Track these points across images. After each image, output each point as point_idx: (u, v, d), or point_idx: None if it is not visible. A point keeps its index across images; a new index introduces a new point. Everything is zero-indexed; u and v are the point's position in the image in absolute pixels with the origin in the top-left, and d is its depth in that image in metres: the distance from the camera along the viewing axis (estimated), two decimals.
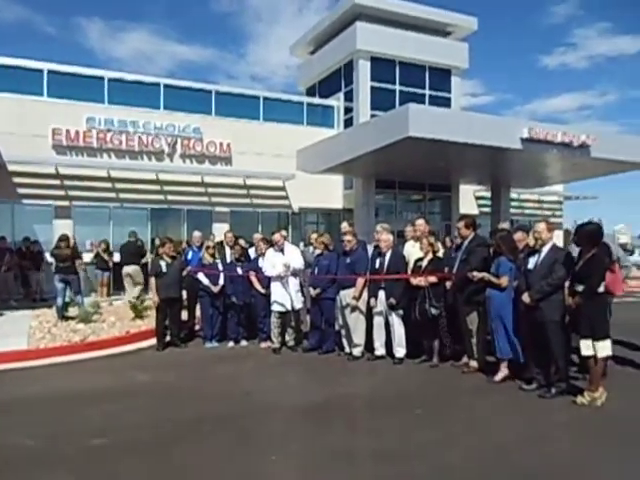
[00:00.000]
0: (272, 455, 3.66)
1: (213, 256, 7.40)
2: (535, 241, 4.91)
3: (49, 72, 13.88)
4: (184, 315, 8.06)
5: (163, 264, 7.18)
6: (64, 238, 9.03)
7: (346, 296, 6.43)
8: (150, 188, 14.59)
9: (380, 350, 6.36)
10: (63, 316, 8.69)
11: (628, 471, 3.45)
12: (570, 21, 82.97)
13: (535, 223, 5.03)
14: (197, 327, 8.16)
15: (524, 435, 4.02)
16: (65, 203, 13.72)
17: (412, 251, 6.39)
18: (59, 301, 8.75)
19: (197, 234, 8.58)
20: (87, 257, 12.14)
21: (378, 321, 6.34)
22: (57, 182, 13.65)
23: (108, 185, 14.16)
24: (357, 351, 6.47)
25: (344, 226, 7.14)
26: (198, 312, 7.84)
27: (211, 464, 3.54)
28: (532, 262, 4.85)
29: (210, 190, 15.35)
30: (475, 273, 5.31)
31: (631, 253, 29.79)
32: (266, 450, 3.75)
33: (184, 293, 8.33)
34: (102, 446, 3.82)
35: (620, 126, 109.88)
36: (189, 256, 8.13)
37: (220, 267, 7.38)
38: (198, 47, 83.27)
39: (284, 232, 7.69)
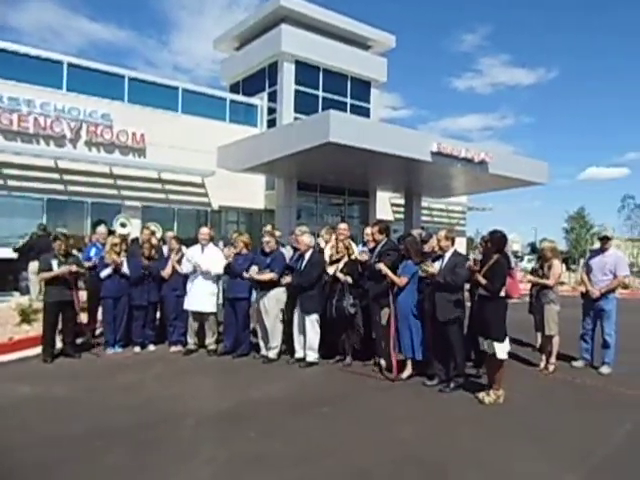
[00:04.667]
0: (176, 468, 3.41)
1: (119, 254, 6.81)
2: (438, 247, 5.36)
3: None
4: (84, 318, 7.40)
5: (55, 262, 6.41)
6: None
7: (265, 298, 6.33)
8: (47, 176, 13.15)
9: (300, 352, 6.30)
10: None
11: (516, 457, 3.68)
12: (477, 49, 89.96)
13: (439, 231, 5.48)
14: (98, 331, 7.49)
15: (423, 429, 4.22)
16: None
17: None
18: None
19: (102, 229, 7.87)
20: None
21: (298, 323, 6.27)
22: None
23: None
24: (273, 354, 6.39)
25: (268, 228, 7.24)
26: (100, 315, 7.19)
27: None
28: (437, 266, 5.23)
29: (120, 182, 14.30)
30: (381, 265, 5.54)
31: (521, 259, 33.07)
32: (166, 463, 3.49)
33: (84, 294, 7.70)
34: None
35: (515, 147, 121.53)
36: (92, 253, 7.45)
37: (125, 266, 6.81)
38: (113, 27, 78.78)
39: (211, 231, 7.26)
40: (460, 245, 22.81)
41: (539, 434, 4.14)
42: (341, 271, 5.95)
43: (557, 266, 6.04)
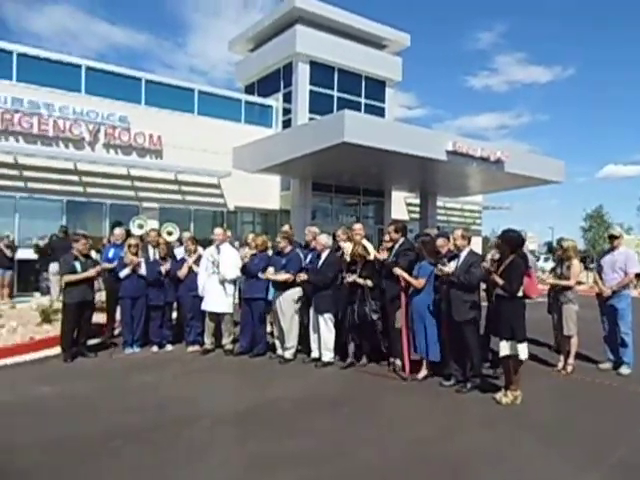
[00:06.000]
0: (191, 467, 3.44)
1: (136, 254, 6.92)
2: (454, 246, 5.30)
3: None
4: (102, 319, 7.51)
5: (77, 264, 6.52)
6: None
7: (281, 298, 6.36)
8: (66, 178, 13.34)
9: (316, 352, 6.31)
10: None
11: (534, 457, 3.65)
12: (493, 48, 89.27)
13: (455, 230, 5.42)
14: (117, 331, 7.60)
15: (441, 429, 4.21)
16: None
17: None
18: None
19: (118, 231, 7.96)
20: None
21: (313, 323, 6.29)
22: None
23: (14, 172, 12.67)
24: (289, 354, 6.41)
25: (286, 228, 7.29)
26: (118, 315, 7.28)
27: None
28: (452, 266, 5.17)
29: (137, 184, 14.47)
30: (396, 269, 5.52)
31: (537, 259, 32.59)
32: (185, 462, 3.52)
33: (102, 294, 7.82)
34: None
35: (531, 145, 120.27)
36: (110, 254, 7.57)
37: (143, 266, 6.90)
38: (131, 30, 79.71)
39: (228, 232, 7.33)
40: (476, 245, 22.60)
41: (557, 434, 4.10)
42: (360, 275, 5.88)
43: (576, 265, 5.97)
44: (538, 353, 6.75)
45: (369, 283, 5.83)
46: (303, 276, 6.18)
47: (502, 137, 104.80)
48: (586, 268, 18.01)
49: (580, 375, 5.83)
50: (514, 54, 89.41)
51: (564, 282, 5.97)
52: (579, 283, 13.03)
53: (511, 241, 4.80)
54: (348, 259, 6.08)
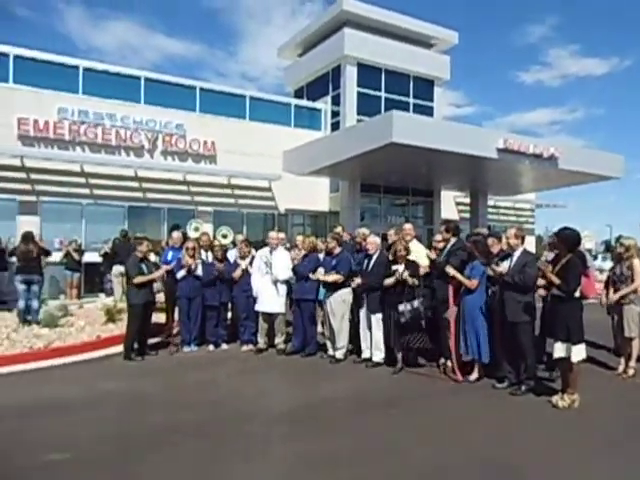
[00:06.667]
0: (248, 463, 3.56)
1: (193, 257, 7.23)
2: (507, 246, 5.21)
3: (16, 57, 13.08)
4: (162, 318, 7.89)
5: (144, 266, 6.85)
6: (28, 235, 8.42)
7: (331, 298, 6.46)
8: (128, 185, 14.14)
9: (367, 352, 6.35)
10: (25, 320, 8.06)
11: (597, 463, 3.56)
12: (545, 41, 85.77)
13: (508, 229, 5.31)
14: (175, 331, 7.96)
15: (496, 432, 4.15)
16: (31, 198, 12.94)
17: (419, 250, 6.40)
18: (21, 304, 8.17)
19: (176, 234, 8.26)
20: (56, 256, 11.52)
21: (364, 324, 6.35)
22: (22, 175, 12.85)
23: (81, 180, 13.54)
24: (340, 354, 6.49)
25: (338, 230, 7.41)
26: (177, 315, 7.59)
27: (181, 476, 3.38)
28: (505, 265, 5.08)
29: (193, 189, 15.08)
30: (449, 268, 5.47)
31: (595, 258, 30.93)
32: (242, 458, 3.62)
33: (161, 295, 8.17)
34: (62, 461, 3.57)
35: (585, 141, 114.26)
36: (169, 256, 7.93)
37: (200, 268, 7.20)
38: (187, 42, 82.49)
39: (282, 234, 7.48)
40: (529, 244, 21.80)
41: (616, 439, 3.97)
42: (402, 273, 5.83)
43: (638, 265, 5.68)
44: (597, 356, 6.49)
45: (416, 281, 5.80)
46: (357, 280, 6.23)
47: (555, 133, 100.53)
48: None
49: None
50: (567, 47, 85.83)
51: (629, 289, 5.66)
52: None
53: (568, 240, 4.67)
54: (390, 258, 6.11)
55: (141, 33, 73.88)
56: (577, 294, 4.57)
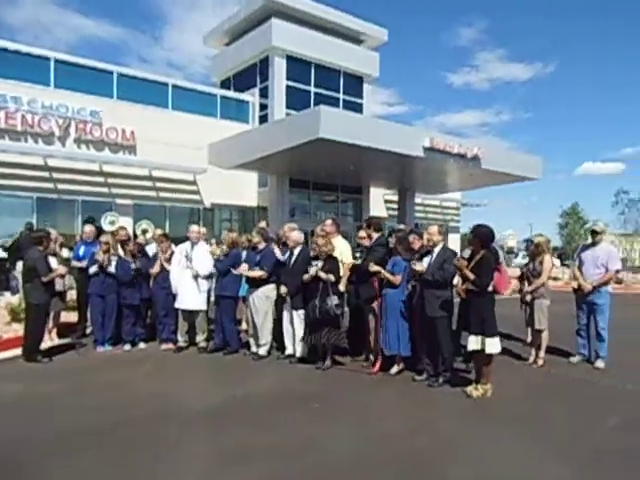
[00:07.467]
0: (158, 463, 3.39)
1: (107, 252, 6.76)
2: (427, 242, 5.34)
3: None
4: (73, 317, 7.35)
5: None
6: None
7: (254, 295, 6.33)
8: (36, 174, 13.02)
9: (290, 348, 6.28)
10: None
11: (505, 448, 3.70)
12: (474, 44, 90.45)
13: (429, 226, 5.47)
14: (88, 330, 7.44)
15: (412, 423, 4.24)
16: None
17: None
18: None
19: (88, 228, 7.85)
20: None
21: (288, 319, 6.25)
22: None
23: None
24: (263, 350, 6.38)
25: (262, 225, 7.31)
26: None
27: None
28: (426, 262, 5.19)
29: (110, 180, 14.21)
30: (372, 265, 5.50)
31: (516, 255, 32.86)
32: (152, 458, 3.47)
33: (73, 292, 7.66)
34: None
35: (511, 143, 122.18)
36: (80, 252, 7.41)
37: (113, 265, 6.74)
38: (105, 23, 77.74)
39: (203, 229, 7.31)
40: (454, 242, 22.84)
41: (526, 427, 4.14)
42: (322, 269, 5.76)
43: (548, 261, 6.03)
44: (512, 348, 6.83)
45: (331, 277, 5.74)
46: (284, 289, 6.08)
47: (483, 134, 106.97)
48: (563, 264, 18.34)
49: (554, 369, 5.91)
50: (495, 50, 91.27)
51: (537, 283, 5.97)
52: (555, 279, 13.22)
53: (482, 236, 4.82)
54: (312, 254, 6.05)
55: (54, 11, 68.57)
56: (490, 289, 4.74)
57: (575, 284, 6.23)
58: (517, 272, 6.41)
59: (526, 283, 6.19)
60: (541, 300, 6.00)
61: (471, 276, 4.69)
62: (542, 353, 6.04)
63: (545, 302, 6.02)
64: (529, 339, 6.55)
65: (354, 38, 18.99)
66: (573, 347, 6.39)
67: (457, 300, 5.41)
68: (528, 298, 6.07)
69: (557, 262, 19.22)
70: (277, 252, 6.40)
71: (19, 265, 9.96)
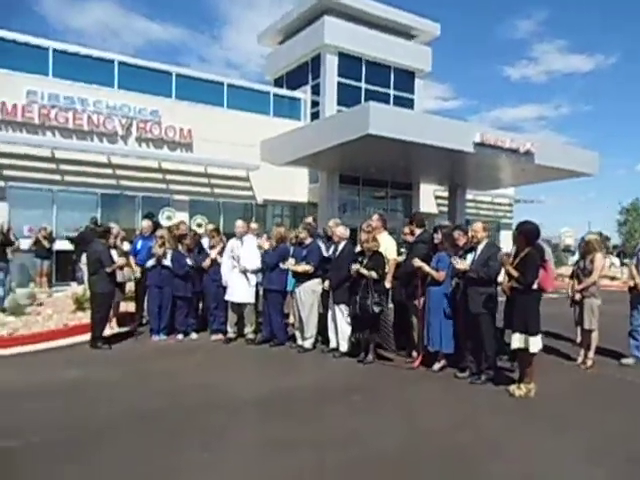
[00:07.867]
0: (205, 452, 3.55)
1: (163, 246, 7.14)
2: (471, 239, 5.29)
3: None
4: (131, 307, 7.80)
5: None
6: None
7: (300, 289, 6.48)
8: (101, 172, 13.78)
9: (334, 342, 6.39)
10: None
11: (545, 449, 3.64)
12: (532, 36, 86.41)
13: (474, 223, 5.40)
14: (145, 320, 7.89)
15: (455, 419, 4.25)
16: None
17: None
18: None
19: (145, 223, 8.24)
20: (25, 244, 11.27)
21: (331, 314, 6.37)
22: None
23: (52, 166, 13.13)
24: (308, 343, 6.52)
25: (309, 220, 7.37)
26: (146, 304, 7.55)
27: (136, 465, 3.35)
28: (469, 258, 5.16)
29: (168, 177, 14.83)
30: (417, 261, 5.53)
31: (573, 254, 31.18)
32: (200, 446, 3.63)
33: (132, 285, 8.10)
34: (10, 449, 3.53)
35: (570, 137, 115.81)
36: (138, 246, 7.85)
37: (169, 258, 7.13)
38: (169, 25, 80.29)
39: (256, 224, 7.47)
40: (507, 239, 22.12)
41: (567, 428, 4.07)
42: (366, 266, 5.82)
43: (599, 259, 5.82)
44: (561, 347, 6.65)
45: (373, 275, 5.77)
46: (327, 283, 6.26)
47: (541, 129, 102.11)
48: (622, 264, 17.31)
49: (603, 370, 5.73)
50: (554, 42, 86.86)
51: (587, 282, 5.79)
52: (613, 278, 12.57)
53: (527, 233, 4.75)
54: (358, 249, 6.12)
55: (121, 14, 71.57)
56: (535, 286, 4.66)
57: (632, 283, 6.00)
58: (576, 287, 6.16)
59: (576, 281, 6.02)
60: (591, 299, 5.81)
61: (515, 273, 4.63)
62: (591, 354, 5.86)
63: (595, 302, 5.81)
64: (579, 339, 6.35)
65: (406, 33, 18.78)
66: (626, 348, 6.15)
67: (503, 299, 5.35)
68: (578, 297, 5.90)
69: (616, 261, 18.19)
70: (322, 248, 6.55)
71: (84, 257, 10.69)
